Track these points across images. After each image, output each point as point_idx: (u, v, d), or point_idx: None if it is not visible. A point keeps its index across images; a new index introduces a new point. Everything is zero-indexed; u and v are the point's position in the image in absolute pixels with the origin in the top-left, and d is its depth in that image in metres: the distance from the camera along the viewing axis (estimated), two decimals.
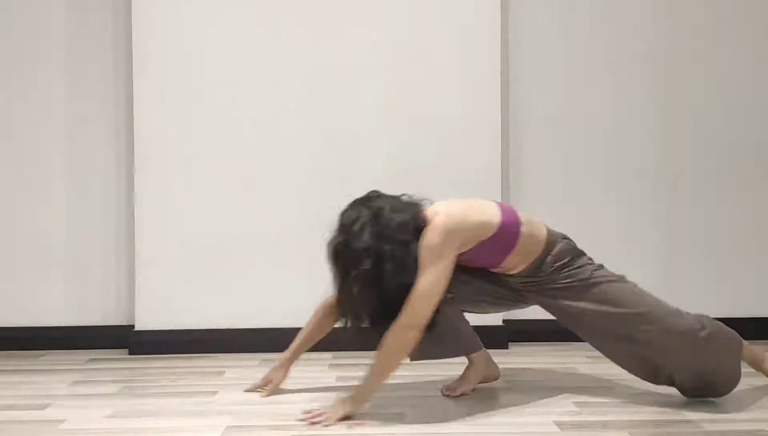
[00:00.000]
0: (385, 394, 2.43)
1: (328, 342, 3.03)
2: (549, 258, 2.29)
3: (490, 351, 2.54)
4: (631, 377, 2.38)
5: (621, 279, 2.31)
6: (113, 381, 2.68)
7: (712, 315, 2.35)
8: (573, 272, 2.28)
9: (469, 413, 2.26)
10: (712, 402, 2.31)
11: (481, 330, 2.56)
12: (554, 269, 2.29)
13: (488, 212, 2.24)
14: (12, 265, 3.23)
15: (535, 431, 2.08)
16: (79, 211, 3.24)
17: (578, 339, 2.41)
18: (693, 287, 3.26)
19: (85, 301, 3.25)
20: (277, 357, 2.54)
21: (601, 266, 2.33)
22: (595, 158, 3.31)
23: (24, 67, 3.23)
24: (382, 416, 2.21)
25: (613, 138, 3.31)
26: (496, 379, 2.55)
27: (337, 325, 2.39)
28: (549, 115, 3.30)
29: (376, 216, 2.14)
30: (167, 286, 3.12)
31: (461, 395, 2.43)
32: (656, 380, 2.32)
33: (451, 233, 2.15)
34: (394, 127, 3.17)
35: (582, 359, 2.88)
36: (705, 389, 2.29)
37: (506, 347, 3.12)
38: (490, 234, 2.22)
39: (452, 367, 2.59)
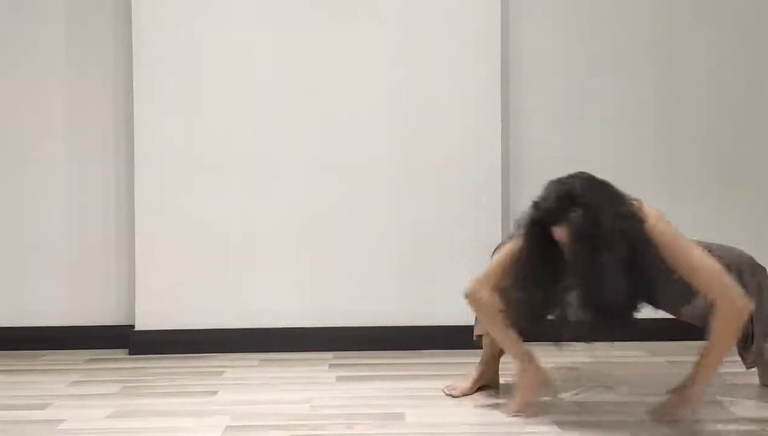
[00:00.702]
0: (385, 394, 2.44)
1: (328, 342, 3.07)
2: None
3: None
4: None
5: None
6: (113, 381, 2.68)
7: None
8: None
9: (470, 412, 2.26)
10: (712, 402, 2.31)
11: None
12: None
13: None
14: (12, 265, 3.23)
15: (535, 431, 2.08)
16: (79, 211, 3.24)
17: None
18: None
19: (85, 301, 3.24)
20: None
21: None
22: (595, 159, 3.29)
23: (23, 66, 3.22)
24: (382, 416, 2.21)
25: (614, 139, 3.30)
26: (495, 388, 2.53)
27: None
28: (549, 116, 3.29)
29: (610, 192, 2.00)
30: (167, 286, 3.12)
31: (462, 395, 2.43)
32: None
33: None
34: (395, 127, 3.16)
35: (582, 359, 2.88)
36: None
37: None
38: None
39: (452, 367, 2.59)
